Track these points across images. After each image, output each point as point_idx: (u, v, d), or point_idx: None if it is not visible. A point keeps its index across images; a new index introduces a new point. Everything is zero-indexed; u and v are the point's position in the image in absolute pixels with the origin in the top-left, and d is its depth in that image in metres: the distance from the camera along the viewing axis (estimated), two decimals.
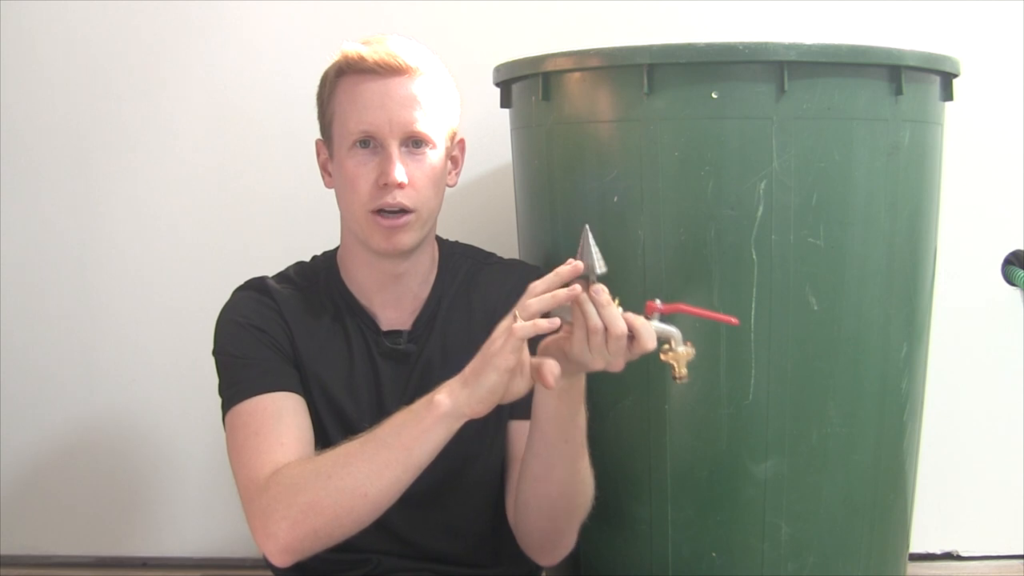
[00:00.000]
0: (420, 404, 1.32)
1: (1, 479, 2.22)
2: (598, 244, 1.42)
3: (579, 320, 1.27)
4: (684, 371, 1.31)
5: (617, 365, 1.29)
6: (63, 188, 2.17)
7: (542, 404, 1.37)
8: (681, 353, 1.31)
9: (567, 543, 1.51)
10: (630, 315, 1.27)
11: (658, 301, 1.30)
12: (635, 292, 1.50)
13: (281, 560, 1.34)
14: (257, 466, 1.38)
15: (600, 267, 1.26)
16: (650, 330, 1.27)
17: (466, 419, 1.30)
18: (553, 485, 1.43)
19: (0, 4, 2.14)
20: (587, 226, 1.26)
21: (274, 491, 1.34)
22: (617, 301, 1.27)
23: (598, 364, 1.29)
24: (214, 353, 1.51)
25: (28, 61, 2.15)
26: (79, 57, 2.14)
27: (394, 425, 1.33)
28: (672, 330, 1.30)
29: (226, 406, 1.46)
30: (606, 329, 1.26)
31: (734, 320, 1.35)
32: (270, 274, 1.56)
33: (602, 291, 1.26)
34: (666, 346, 1.31)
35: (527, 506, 1.48)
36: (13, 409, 2.21)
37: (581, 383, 1.36)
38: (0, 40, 2.14)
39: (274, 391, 1.45)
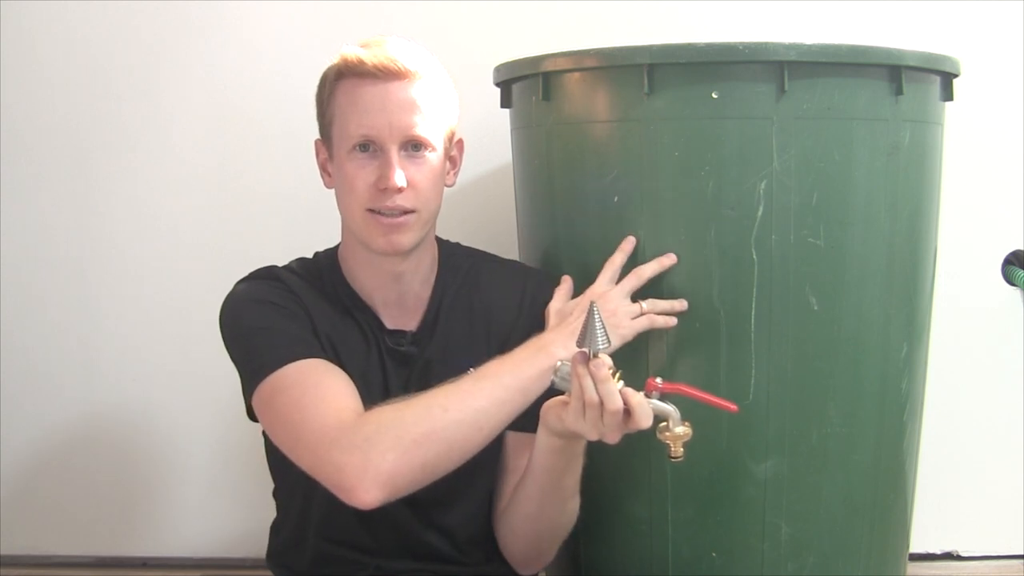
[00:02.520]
0: (529, 350, 1.42)
1: (1, 479, 2.22)
2: (600, 247, 1.43)
3: (576, 392, 1.28)
4: (680, 451, 1.32)
5: (612, 438, 1.30)
6: (63, 188, 2.17)
7: (539, 457, 1.41)
8: (678, 433, 1.31)
9: (547, 560, 1.56)
10: (628, 391, 1.28)
11: (659, 380, 1.31)
12: (635, 292, 1.50)
13: (375, 497, 1.31)
14: (332, 410, 1.36)
15: (602, 343, 1.26)
16: (646, 408, 1.28)
17: None
18: (543, 522, 1.49)
19: (0, 4, 2.14)
20: (593, 303, 1.27)
21: (374, 426, 1.33)
22: (617, 376, 1.28)
23: (592, 435, 1.30)
24: (230, 329, 1.48)
25: (28, 61, 2.15)
26: (79, 57, 2.14)
27: (507, 367, 1.40)
28: (670, 409, 1.31)
29: (258, 376, 1.42)
30: (602, 404, 1.27)
31: (733, 407, 1.35)
32: None
33: (602, 366, 1.27)
34: (663, 425, 1.31)
35: (514, 533, 1.53)
36: (13, 409, 2.21)
37: (579, 444, 1.39)
38: (0, 40, 2.14)
39: (313, 358, 1.43)
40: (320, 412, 1.37)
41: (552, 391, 1.35)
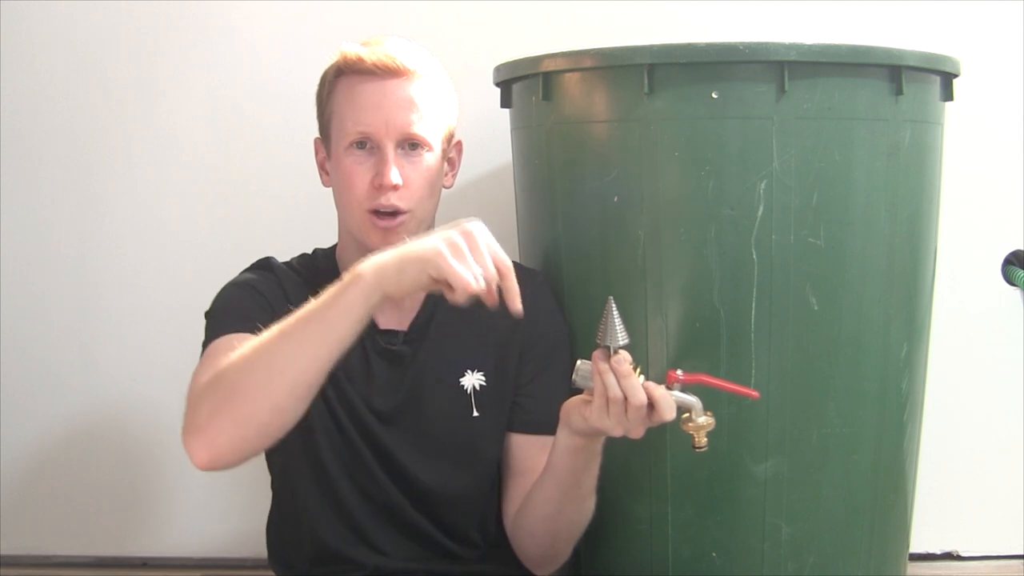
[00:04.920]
0: (347, 278, 1.25)
1: (1, 479, 2.22)
2: (600, 247, 1.42)
3: (599, 389, 1.28)
4: (704, 441, 1.32)
5: (636, 432, 1.30)
6: (63, 188, 2.17)
7: (560, 457, 1.40)
8: (701, 423, 1.31)
9: (563, 559, 1.55)
10: (650, 385, 1.28)
11: (679, 372, 1.31)
12: (636, 292, 1.50)
13: (200, 456, 1.26)
14: (201, 377, 1.32)
15: (623, 339, 1.26)
16: (669, 401, 1.28)
17: (386, 298, 1.24)
18: (561, 522, 1.48)
19: (0, 4, 2.14)
20: (611, 298, 1.27)
21: (203, 386, 1.29)
22: (638, 371, 1.28)
23: (617, 431, 1.30)
24: (205, 315, 1.49)
25: (28, 61, 2.15)
26: (79, 57, 2.14)
27: (318, 302, 1.25)
28: (692, 400, 1.31)
29: (202, 353, 1.42)
30: (626, 399, 1.26)
31: (755, 393, 1.35)
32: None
33: (623, 361, 1.26)
34: (686, 416, 1.31)
35: (532, 535, 1.52)
36: (13, 409, 2.21)
37: (599, 441, 1.38)
38: (0, 40, 2.14)
39: (249, 334, 1.37)
40: (195, 377, 1.34)
41: (568, 382, 1.34)
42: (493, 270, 1.22)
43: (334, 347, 1.24)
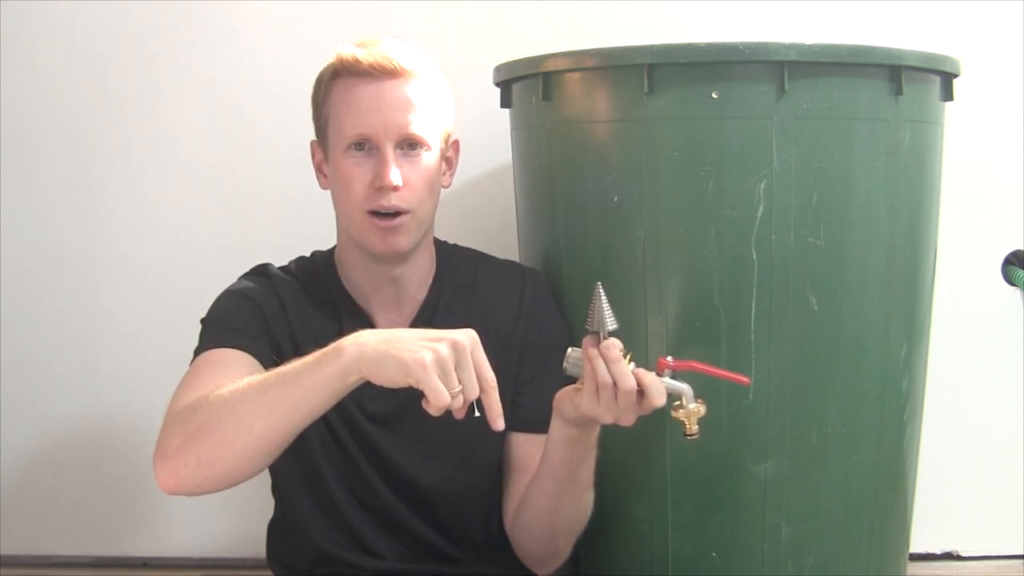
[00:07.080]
0: (330, 349, 1.24)
1: (1, 479, 2.22)
2: (600, 247, 1.42)
3: (589, 375, 1.28)
4: (695, 428, 1.32)
5: (627, 420, 1.29)
6: (63, 188, 2.17)
7: (554, 449, 1.40)
8: (692, 410, 1.31)
9: (564, 557, 1.55)
10: (640, 371, 1.28)
11: (670, 358, 1.31)
12: (636, 292, 1.50)
13: (165, 482, 1.27)
14: (182, 397, 1.33)
15: (611, 324, 1.26)
16: (659, 387, 1.28)
17: (364, 379, 1.22)
18: (559, 516, 1.47)
19: (0, 4, 2.14)
20: (599, 284, 1.27)
21: (180, 413, 1.29)
22: (629, 357, 1.28)
23: (608, 418, 1.30)
24: (200, 322, 1.49)
25: (28, 61, 2.15)
26: (79, 57, 2.14)
27: (293, 366, 1.25)
28: (683, 387, 1.31)
29: (191, 361, 1.44)
30: (615, 385, 1.26)
31: (746, 380, 1.36)
32: None
33: (612, 347, 1.27)
34: (677, 403, 1.32)
35: (530, 531, 1.51)
36: (13, 409, 2.21)
37: (593, 432, 1.38)
38: (0, 40, 2.14)
39: (237, 348, 1.41)
40: (177, 397, 1.34)
41: (567, 379, 1.35)
42: (475, 387, 1.20)
43: (306, 414, 1.24)
